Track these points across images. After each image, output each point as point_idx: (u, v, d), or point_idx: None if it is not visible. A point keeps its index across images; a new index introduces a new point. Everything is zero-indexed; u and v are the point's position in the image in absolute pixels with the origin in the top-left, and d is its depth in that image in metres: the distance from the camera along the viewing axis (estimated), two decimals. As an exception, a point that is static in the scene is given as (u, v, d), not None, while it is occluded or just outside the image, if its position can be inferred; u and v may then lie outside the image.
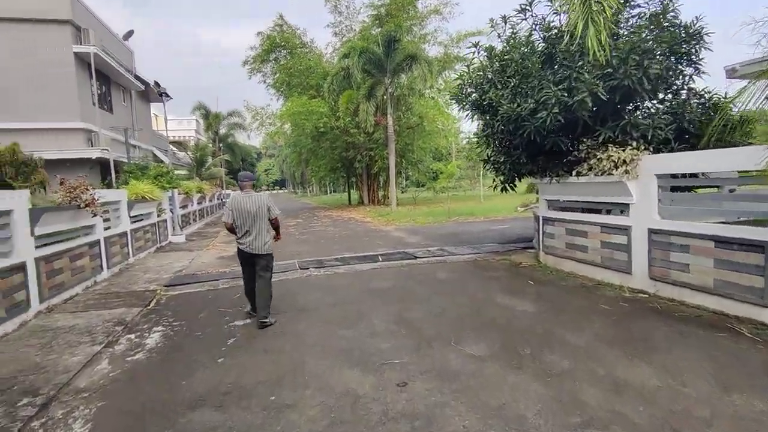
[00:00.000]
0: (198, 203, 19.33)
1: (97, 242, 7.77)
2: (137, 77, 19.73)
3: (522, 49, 6.91)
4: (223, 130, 44.19)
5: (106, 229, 8.40)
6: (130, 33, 19.47)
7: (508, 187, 8.59)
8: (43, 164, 11.82)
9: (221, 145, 45.47)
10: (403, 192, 27.79)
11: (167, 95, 23.73)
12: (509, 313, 5.25)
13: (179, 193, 15.27)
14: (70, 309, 6.05)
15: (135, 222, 10.17)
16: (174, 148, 38.61)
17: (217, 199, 26.58)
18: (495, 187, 8.90)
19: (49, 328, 5.28)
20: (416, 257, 9.11)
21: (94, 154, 13.83)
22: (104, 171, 14.87)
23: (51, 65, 13.73)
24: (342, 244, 11.66)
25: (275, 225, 5.38)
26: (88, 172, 14.34)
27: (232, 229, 5.27)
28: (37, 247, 5.80)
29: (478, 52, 7.36)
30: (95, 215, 7.01)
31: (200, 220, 19.19)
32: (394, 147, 20.53)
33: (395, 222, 16.64)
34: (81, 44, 14.07)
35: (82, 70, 14.36)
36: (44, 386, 3.78)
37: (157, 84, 21.23)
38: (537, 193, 8.75)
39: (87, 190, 6.88)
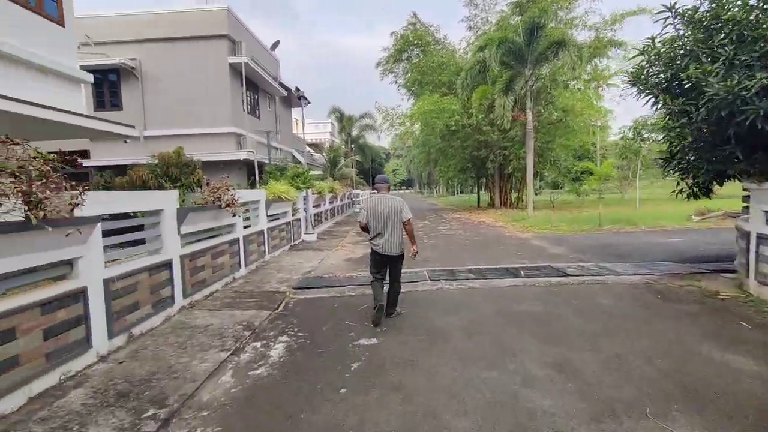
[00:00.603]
0: (330, 203, 20.04)
1: (237, 240, 8.04)
2: (281, 84, 21.25)
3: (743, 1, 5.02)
4: (355, 132, 46.15)
5: (245, 227, 8.73)
6: (276, 43, 21.08)
7: (700, 194, 6.59)
8: (200, 165, 13.06)
9: (353, 146, 47.64)
10: (536, 194, 25.40)
11: (306, 99, 25.32)
12: (726, 373, 3.69)
13: (313, 193, 15.83)
14: (209, 306, 6.19)
15: (272, 221, 10.55)
16: (311, 150, 41.63)
17: (347, 198, 27.53)
18: (679, 192, 6.96)
19: (187, 326, 5.37)
20: (567, 274, 7.62)
21: (241, 156, 15.09)
22: (250, 171, 16.14)
23: (211, 77, 15.35)
24: (474, 251, 10.60)
25: (408, 229, 5.28)
26: (236, 173, 15.73)
27: (365, 229, 5.37)
28: (183, 246, 6.02)
29: (673, 17, 5.59)
30: (235, 215, 7.17)
31: (331, 218, 19.85)
32: (532, 145, 18.59)
33: (533, 228, 14.91)
34: (235, 56, 15.44)
35: (235, 79, 15.77)
36: (171, 395, 3.61)
37: (297, 90, 22.69)
38: (743, 200, 6.57)
39: (228, 190, 7.08)
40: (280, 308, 6.25)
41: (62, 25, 8.28)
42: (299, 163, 24.20)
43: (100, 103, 15.61)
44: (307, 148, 42.09)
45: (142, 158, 12.39)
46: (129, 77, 15.43)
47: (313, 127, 48.16)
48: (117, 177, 11.73)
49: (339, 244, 13.09)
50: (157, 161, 12.63)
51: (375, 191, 5.51)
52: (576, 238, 12.45)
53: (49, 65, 7.90)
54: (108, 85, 15.54)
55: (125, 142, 10.49)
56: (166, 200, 5.73)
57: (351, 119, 42.90)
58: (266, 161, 15.91)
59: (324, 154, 37.94)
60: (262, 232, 9.63)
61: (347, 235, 15.27)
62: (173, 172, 12.53)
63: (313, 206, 16.16)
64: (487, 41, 18.25)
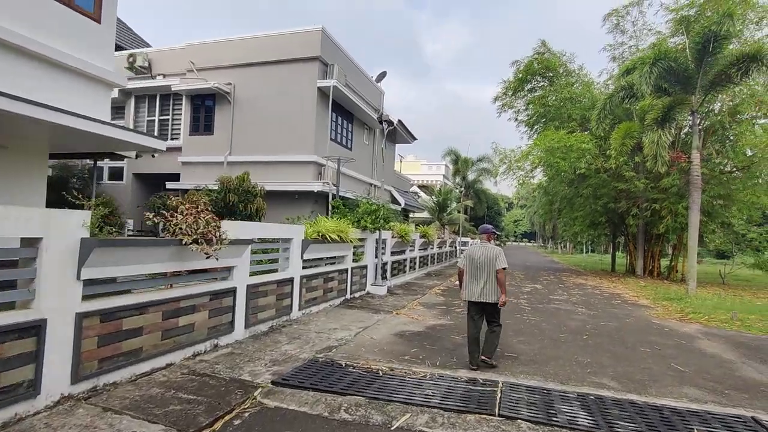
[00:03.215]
0: (421, 249, 17.18)
1: (230, 292, 5.71)
2: (381, 117, 19.60)
3: None
4: (471, 176, 43.10)
5: (255, 274, 6.42)
6: (382, 74, 19.67)
7: None
8: (263, 194, 11.51)
9: (469, 191, 44.46)
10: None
11: (411, 135, 23.40)
12: None
13: (393, 236, 13.23)
14: (109, 402, 3.77)
15: (310, 267, 8.13)
16: (419, 191, 39.62)
17: (449, 246, 24.31)
18: None
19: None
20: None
21: (315, 187, 13.32)
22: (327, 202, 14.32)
23: (297, 101, 14.18)
24: (598, 350, 6.69)
25: (500, 278, 5.30)
26: (312, 206, 13.98)
27: (460, 276, 5.65)
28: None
29: None
30: (208, 256, 4.84)
31: (420, 268, 16.91)
32: (699, 198, 13.53)
33: (699, 317, 10.02)
34: (326, 79, 14.08)
35: (322, 105, 14.38)
36: None
37: (401, 123, 20.84)
38: None
39: (199, 215, 4.80)
40: (219, 426, 3.57)
41: (98, 21, 7.28)
42: (398, 203, 22.04)
43: (194, 128, 15.52)
44: (416, 188, 40.25)
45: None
46: (223, 102, 15.09)
47: (426, 168, 46.46)
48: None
49: (410, 303, 10.11)
50: (217, 187, 11.43)
51: (478, 240, 5.81)
52: (786, 347, 7.54)
53: (74, 64, 6.83)
54: (204, 110, 15.40)
55: (153, 156, 9.26)
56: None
57: (467, 162, 40.15)
58: (350, 196, 13.88)
59: (433, 197, 35.54)
60: (289, 280, 7.23)
61: (428, 292, 12.16)
62: (231, 199, 11.14)
63: (393, 252, 13.52)
64: (636, 62, 14.18)
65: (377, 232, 11.31)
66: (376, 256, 11.48)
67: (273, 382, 4.54)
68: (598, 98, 18.99)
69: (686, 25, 16.13)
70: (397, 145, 24.70)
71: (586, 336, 7.63)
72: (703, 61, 13.07)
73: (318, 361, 5.38)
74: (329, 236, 8.21)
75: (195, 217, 4.75)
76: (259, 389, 4.36)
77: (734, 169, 16.81)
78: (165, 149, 8.01)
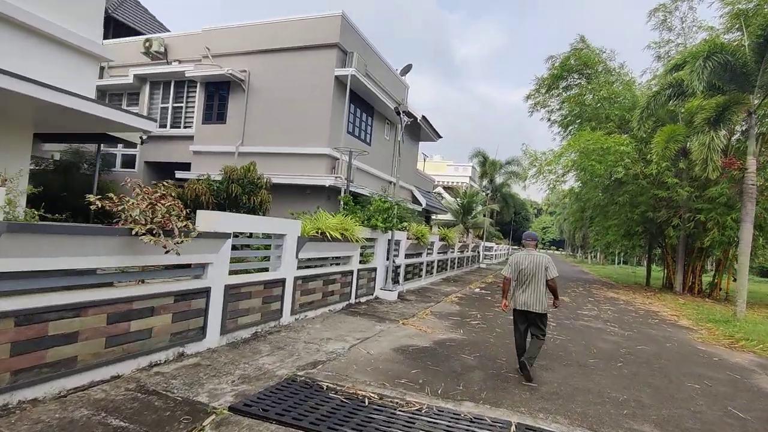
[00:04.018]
0: (440, 252, 16.19)
1: (203, 292, 4.94)
2: (405, 111, 18.66)
3: None
4: (499, 180, 41.57)
5: (237, 273, 5.65)
6: (408, 67, 18.80)
7: None
8: (270, 185, 10.82)
9: (496, 194, 42.95)
10: (734, 280, 16.95)
11: (436, 133, 22.37)
12: None
13: (409, 238, 12.32)
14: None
15: (307, 267, 7.32)
16: (444, 193, 38.46)
17: (472, 251, 23.16)
18: None
19: None
20: None
21: (327, 182, 12.54)
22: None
23: (313, 91, 13.46)
24: (635, 384, 5.59)
25: (552, 287, 5.34)
26: (325, 201, 13.22)
27: (506, 284, 5.50)
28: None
29: None
30: (167, 251, 4.07)
31: (438, 273, 15.91)
32: (753, 210, 12.03)
33: (752, 344, 8.68)
34: (345, 68, 13.30)
35: (339, 96, 13.59)
36: None
37: (425, 119, 19.87)
38: None
39: (159, 200, 4.03)
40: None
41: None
42: (418, 203, 21.09)
43: (207, 116, 15.03)
44: (440, 190, 39.10)
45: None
46: (237, 90, 14.53)
47: (453, 169, 45.16)
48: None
49: (421, 312, 9.19)
50: (221, 176, 10.81)
51: (522, 247, 5.93)
52: None
53: (52, 31, 6.24)
54: (218, 98, 14.89)
55: (141, 138, 8.63)
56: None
57: (495, 164, 38.69)
58: (365, 193, 13.04)
59: (458, 199, 34.36)
60: (280, 282, 6.44)
61: (443, 300, 11.20)
62: (234, 190, 10.48)
63: (408, 254, 12.61)
64: (687, 56, 12.79)
65: (389, 232, 10.42)
66: (388, 258, 10.60)
67: (231, 408, 3.73)
68: (640, 99, 17.50)
69: (744, 19, 14.54)
70: (422, 144, 23.70)
71: (620, 363, 6.51)
72: (764, 56, 11.59)
73: (296, 380, 4.54)
74: (330, 234, 7.38)
75: (151, 204, 3.98)
76: (212, 416, 3.55)
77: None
78: (154, 130, 7.35)
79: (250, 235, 6.31)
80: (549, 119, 21.46)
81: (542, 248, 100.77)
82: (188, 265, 4.90)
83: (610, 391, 5.20)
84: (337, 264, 8.64)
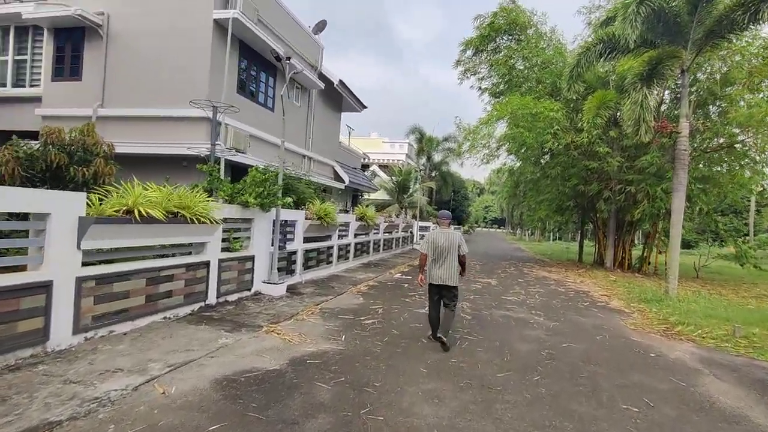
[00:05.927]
0: (359, 234, 14.29)
1: None
2: (320, 75, 16.36)
3: None
4: (437, 157, 40.41)
5: None
6: (322, 24, 16.38)
7: None
8: (112, 155, 8.27)
9: (435, 173, 41.76)
10: (660, 253, 16.68)
11: (359, 102, 20.23)
12: None
13: (308, 218, 10.26)
14: None
15: (108, 263, 5.08)
16: (380, 171, 36.66)
17: (403, 231, 21.53)
18: None
19: None
20: None
21: (204, 150, 10.12)
22: (236, 173, 11.18)
23: (188, 40, 10.86)
24: (554, 415, 3.96)
25: (462, 262, 5.75)
26: (207, 176, 10.77)
27: (423, 260, 5.71)
28: None
29: None
30: None
31: (357, 257, 14.04)
32: (685, 179, 11.09)
33: (689, 330, 7.55)
34: (228, 9, 10.77)
35: (221, 46, 11.06)
36: None
37: (343, 84, 17.67)
38: None
39: None
40: None
41: None
42: (340, 180, 19.01)
43: (58, 71, 11.91)
44: (376, 168, 37.21)
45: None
46: (94, 37, 11.54)
47: (389, 146, 43.33)
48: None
49: (305, 310, 7.21)
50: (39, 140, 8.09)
51: (436, 225, 6.40)
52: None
53: None
54: (71, 49, 11.81)
55: None
56: None
57: (432, 141, 37.34)
58: (252, 162, 10.71)
59: (393, 177, 32.66)
60: (42, 286, 4.16)
61: (348, 291, 9.32)
62: (56, 159, 7.83)
63: (309, 238, 10.58)
64: (618, 8, 11.50)
65: (272, 210, 8.30)
66: (273, 244, 8.49)
67: None
68: (571, 62, 16.34)
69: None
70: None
71: (538, 377, 4.89)
72: (698, 7, 10.48)
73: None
74: (146, 213, 5.13)
75: None
76: None
77: (722, 146, 14.54)
78: None
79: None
80: (480, 87, 19.99)
81: (484, 227, 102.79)
82: None
83: (514, 422, 3.51)
84: (183, 254, 6.43)
